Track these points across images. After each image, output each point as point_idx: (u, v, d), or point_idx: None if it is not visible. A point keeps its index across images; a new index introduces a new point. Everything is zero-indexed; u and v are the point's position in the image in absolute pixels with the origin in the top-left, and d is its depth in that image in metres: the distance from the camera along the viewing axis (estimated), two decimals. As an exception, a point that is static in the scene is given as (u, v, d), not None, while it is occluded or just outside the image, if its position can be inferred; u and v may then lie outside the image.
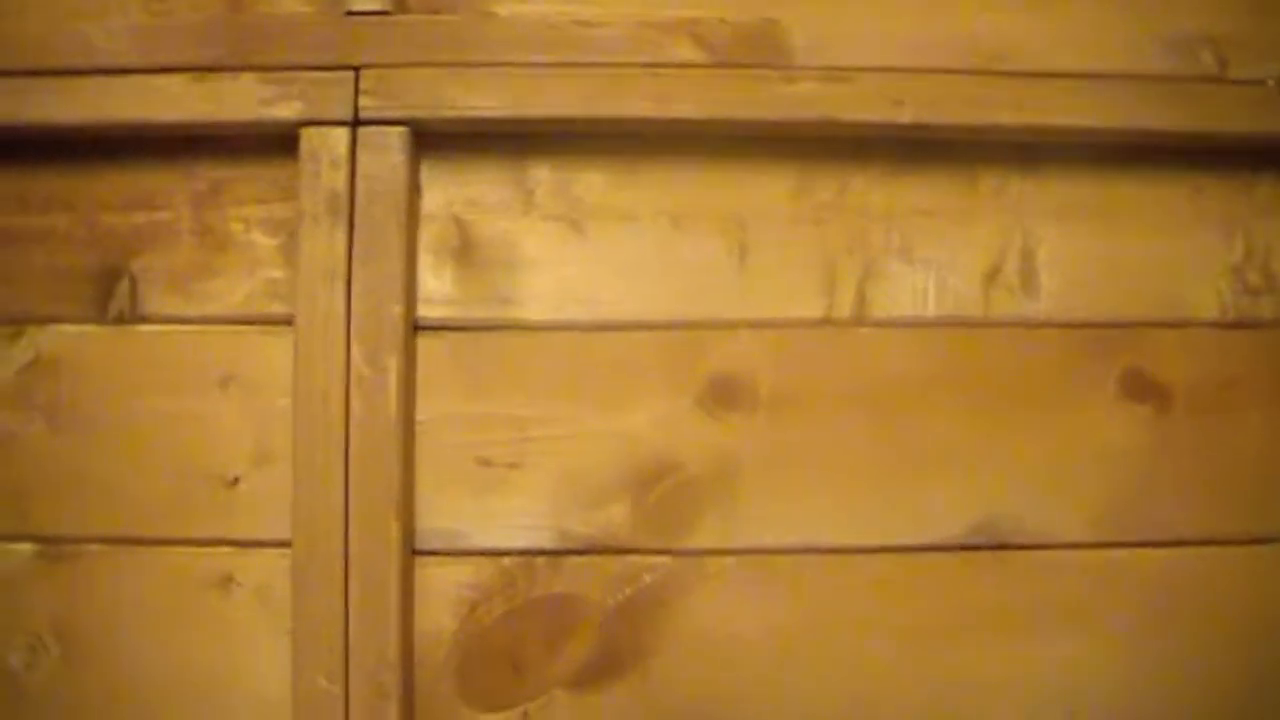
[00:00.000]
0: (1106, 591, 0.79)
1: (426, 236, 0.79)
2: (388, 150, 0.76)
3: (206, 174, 0.79)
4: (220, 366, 0.79)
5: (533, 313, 0.78)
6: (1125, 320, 0.80)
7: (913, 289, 0.80)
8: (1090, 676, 0.78)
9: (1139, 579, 0.79)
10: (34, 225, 0.80)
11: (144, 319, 0.79)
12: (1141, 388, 0.80)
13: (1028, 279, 0.80)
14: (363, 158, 0.76)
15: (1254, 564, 0.79)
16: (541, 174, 0.79)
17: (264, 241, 0.79)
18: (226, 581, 0.78)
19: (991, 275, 0.80)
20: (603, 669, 0.78)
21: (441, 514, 0.78)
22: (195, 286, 0.79)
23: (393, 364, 0.76)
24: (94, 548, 0.79)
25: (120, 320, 0.79)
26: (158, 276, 0.79)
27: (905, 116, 0.75)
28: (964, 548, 0.78)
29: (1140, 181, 0.81)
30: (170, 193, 0.79)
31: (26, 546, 0.79)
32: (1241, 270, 0.81)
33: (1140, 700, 0.79)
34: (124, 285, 0.79)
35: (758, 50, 0.77)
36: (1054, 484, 0.79)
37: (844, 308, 0.79)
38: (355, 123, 0.75)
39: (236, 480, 0.78)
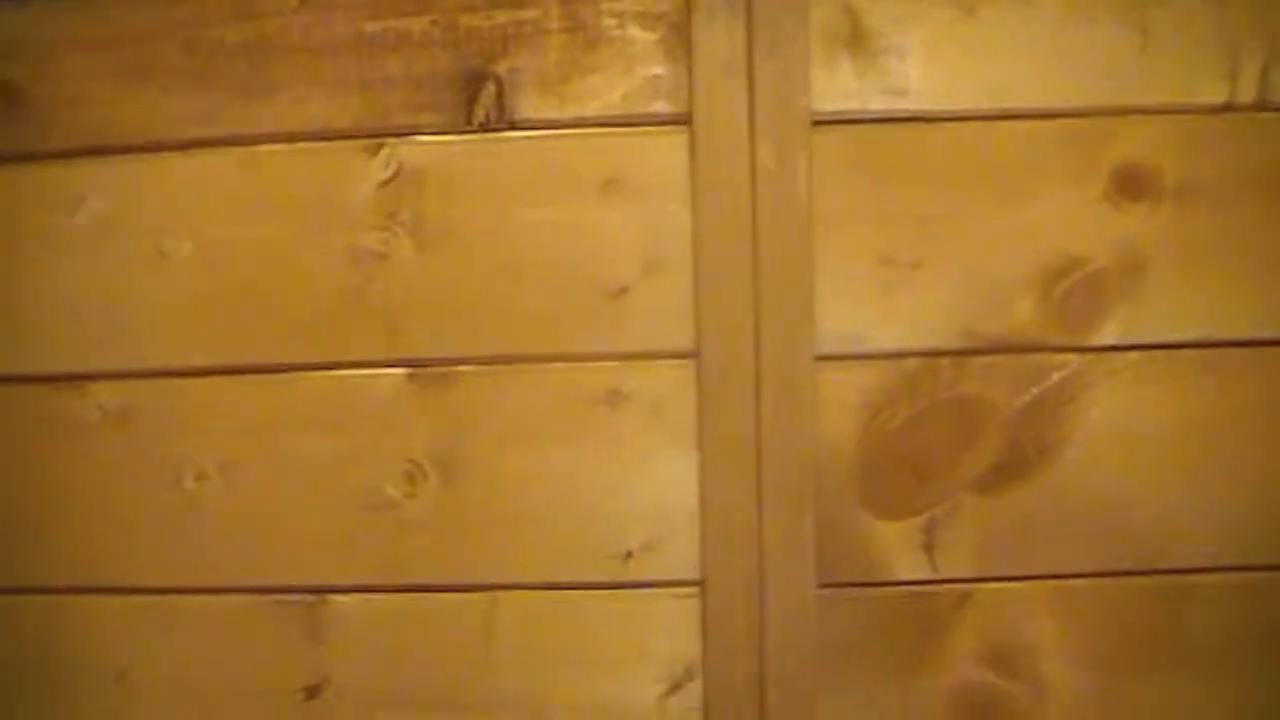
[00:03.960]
0: None
1: (814, 27, 0.74)
2: (783, -70, 0.72)
3: (574, -33, 0.75)
4: (600, 171, 0.75)
5: (930, 103, 0.74)
6: None
7: (1315, 71, 0.76)
8: None
9: None
10: (389, 30, 0.75)
11: (513, 125, 0.75)
12: None
13: None
14: (756, -60, 0.71)
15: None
16: (932, -44, 0.75)
17: (641, 36, 0.74)
18: (614, 395, 0.75)
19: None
20: (1008, 471, 0.76)
21: (840, 317, 0.75)
22: (568, 88, 0.75)
23: (800, 159, 0.72)
24: (470, 369, 0.76)
25: (487, 127, 0.75)
26: (526, 79, 0.75)
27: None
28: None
29: None
30: (536, -12, 0.75)
31: (398, 372, 0.76)
32: None
33: None
34: (489, 90, 0.75)
35: None
36: None
37: (1248, 93, 0.76)
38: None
39: (624, 291, 0.75)
